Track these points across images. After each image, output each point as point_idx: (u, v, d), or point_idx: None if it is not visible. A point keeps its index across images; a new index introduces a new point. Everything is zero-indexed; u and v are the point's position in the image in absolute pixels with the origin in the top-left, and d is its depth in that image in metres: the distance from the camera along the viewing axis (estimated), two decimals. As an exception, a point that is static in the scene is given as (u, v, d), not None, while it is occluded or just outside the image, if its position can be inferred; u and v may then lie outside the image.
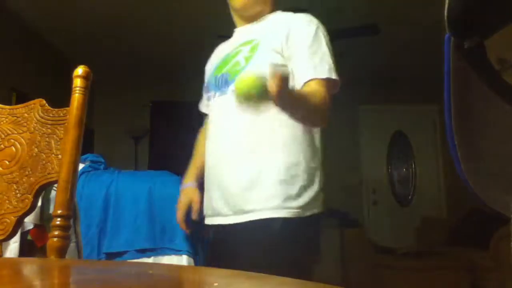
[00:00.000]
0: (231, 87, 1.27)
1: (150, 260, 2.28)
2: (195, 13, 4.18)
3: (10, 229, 0.96)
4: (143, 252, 2.30)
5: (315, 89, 1.25)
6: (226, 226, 1.28)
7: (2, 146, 1.03)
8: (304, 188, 1.26)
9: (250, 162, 1.26)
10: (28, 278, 0.66)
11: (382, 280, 3.71)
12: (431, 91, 4.21)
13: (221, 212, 1.30)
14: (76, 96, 1.01)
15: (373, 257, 4.01)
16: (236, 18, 1.52)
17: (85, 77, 1.02)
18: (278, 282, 0.53)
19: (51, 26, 4.35)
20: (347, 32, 3.89)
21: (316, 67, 1.27)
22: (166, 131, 6.05)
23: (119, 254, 2.29)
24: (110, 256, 2.28)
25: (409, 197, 6.15)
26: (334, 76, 1.28)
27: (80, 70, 1.03)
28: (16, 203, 0.98)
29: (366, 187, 6.07)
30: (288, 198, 1.24)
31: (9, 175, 1.00)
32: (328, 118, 1.29)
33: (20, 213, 0.97)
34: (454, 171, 0.48)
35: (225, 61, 1.40)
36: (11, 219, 0.96)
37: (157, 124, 6.10)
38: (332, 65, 1.29)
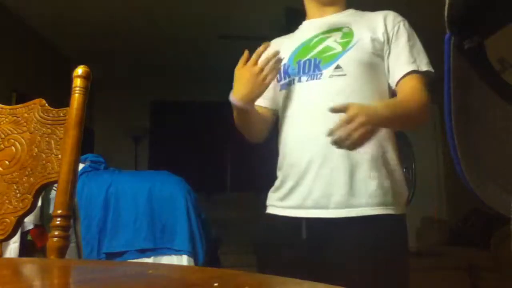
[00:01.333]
0: (327, 71, 1.26)
1: (150, 260, 2.28)
2: (195, 13, 4.18)
3: (10, 229, 0.96)
4: (143, 252, 2.30)
5: (413, 88, 1.27)
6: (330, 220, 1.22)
7: (2, 146, 1.03)
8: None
9: (353, 157, 1.22)
10: (28, 278, 0.66)
11: None
12: (431, 91, 4.21)
13: (325, 204, 1.23)
14: (76, 96, 1.01)
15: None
16: (308, 7, 1.46)
17: (85, 77, 1.02)
18: (278, 282, 0.53)
19: (51, 26, 4.35)
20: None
21: (416, 61, 1.29)
22: (166, 131, 6.06)
23: (119, 254, 2.29)
24: (110, 256, 2.28)
25: (409, 197, 6.15)
26: (431, 69, 1.30)
27: (80, 70, 1.02)
28: (16, 203, 0.98)
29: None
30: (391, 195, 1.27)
31: (9, 175, 1.00)
32: (428, 111, 1.29)
33: (20, 213, 0.97)
34: (454, 171, 0.48)
35: (305, 47, 1.35)
36: (11, 219, 0.96)
37: (157, 124, 6.10)
38: (428, 60, 1.32)
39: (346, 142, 1.05)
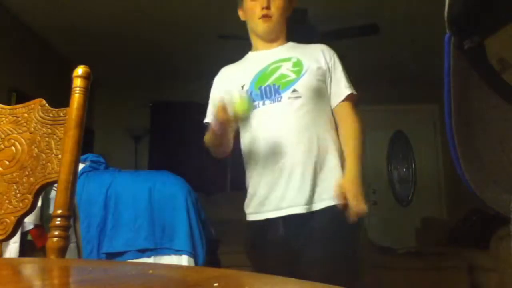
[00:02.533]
0: (285, 94, 1.55)
1: (150, 260, 2.28)
2: (195, 13, 4.18)
3: (10, 229, 0.96)
4: (143, 252, 2.30)
5: (349, 116, 1.61)
6: (299, 216, 1.50)
7: (2, 146, 1.03)
8: None
9: (316, 159, 1.53)
10: (28, 278, 0.66)
11: (382, 280, 3.71)
12: (431, 91, 4.22)
13: (294, 203, 1.51)
14: (76, 96, 1.01)
15: (373, 257, 4.01)
16: (255, 42, 1.75)
17: (85, 77, 1.02)
18: (278, 282, 0.53)
19: (51, 26, 4.35)
20: (347, 32, 3.89)
21: (350, 86, 1.63)
22: (166, 131, 6.05)
23: (119, 254, 2.29)
24: (110, 256, 2.28)
25: (409, 197, 6.15)
26: (355, 92, 1.65)
27: (80, 70, 1.02)
28: (16, 203, 0.98)
29: (366, 187, 6.07)
30: None
31: (9, 175, 1.00)
32: (361, 122, 1.63)
33: (20, 213, 0.97)
34: (454, 171, 0.48)
35: (264, 74, 1.62)
36: (11, 219, 0.96)
37: (157, 124, 6.10)
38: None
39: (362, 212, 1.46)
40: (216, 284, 0.49)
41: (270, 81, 1.59)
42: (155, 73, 5.76)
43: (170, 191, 2.40)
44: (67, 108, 1.01)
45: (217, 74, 1.83)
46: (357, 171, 1.54)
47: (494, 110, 0.47)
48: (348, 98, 1.62)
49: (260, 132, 1.59)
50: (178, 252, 2.30)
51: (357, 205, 1.46)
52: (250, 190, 1.67)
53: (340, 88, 1.63)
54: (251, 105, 1.41)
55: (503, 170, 0.48)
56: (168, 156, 5.85)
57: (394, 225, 5.82)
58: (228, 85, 1.69)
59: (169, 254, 2.30)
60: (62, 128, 1.01)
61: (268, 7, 1.63)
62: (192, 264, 2.27)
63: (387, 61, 5.28)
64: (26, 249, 2.08)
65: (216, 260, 2.73)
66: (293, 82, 1.57)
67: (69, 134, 0.98)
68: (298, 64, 1.61)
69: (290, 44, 1.73)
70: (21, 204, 0.97)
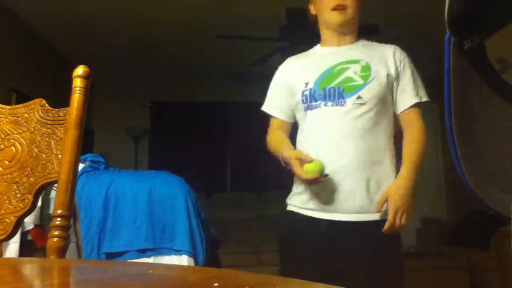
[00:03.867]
0: (350, 99, 1.53)
1: (150, 260, 2.28)
2: (195, 13, 4.18)
3: (10, 229, 0.96)
4: (143, 252, 2.30)
5: (414, 123, 1.65)
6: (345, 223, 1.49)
7: (2, 146, 1.03)
8: None
9: (369, 170, 1.52)
10: (28, 278, 0.66)
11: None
12: (431, 91, 4.21)
13: (341, 209, 1.50)
14: (76, 96, 1.01)
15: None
16: (325, 36, 1.69)
17: (85, 77, 1.02)
18: (278, 281, 0.53)
19: (51, 26, 4.35)
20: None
21: (418, 93, 1.62)
22: (166, 131, 6.06)
23: (119, 254, 2.29)
24: (110, 256, 2.28)
25: (409, 197, 6.14)
26: (428, 98, 1.64)
27: (80, 70, 1.02)
28: (16, 203, 0.98)
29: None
30: None
31: (9, 175, 1.00)
32: (425, 131, 1.67)
33: (20, 213, 0.97)
34: (454, 171, 0.48)
35: (330, 75, 1.58)
36: (11, 219, 0.96)
37: (157, 124, 6.10)
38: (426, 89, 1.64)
39: (398, 227, 1.47)
40: (216, 284, 0.49)
41: (335, 82, 1.55)
42: (155, 73, 5.76)
43: (170, 191, 2.40)
44: (67, 108, 1.01)
45: (283, 63, 1.75)
46: (408, 179, 1.53)
47: (494, 110, 0.47)
48: (415, 105, 1.61)
49: (320, 134, 1.57)
50: (178, 252, 2.30)
51: (395, 219, 1.44)
52: (299, 186, 1.62)
53: (406, 96, 1.60)
54: (322, 172, 1.45)
55: (503, 170, 0.48)
56: (168, 156, 5.85)
57: (394, 225, 5.82)
58: (292, 79, 1.65)
59: (169, 254, 2.30)
60: (62, 128, 1.01)
61: None
62: (192, 264, 2.27)
63: (387, 61, 5.28)
64: (26, 249, 2.08)
65: (216, 260, 2.72)
66: (359, 87, 1.54)
67: (69, 134, 0.98)
68: (366, 69, 1.57)
69: (361, 42, 1.69)
70: (21, 204, 0.97)
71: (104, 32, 4.51)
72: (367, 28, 3.92)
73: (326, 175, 1.46)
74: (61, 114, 1.02)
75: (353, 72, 1.57)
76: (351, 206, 1.48)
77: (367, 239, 1.47)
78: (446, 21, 0.45)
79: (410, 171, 1.57)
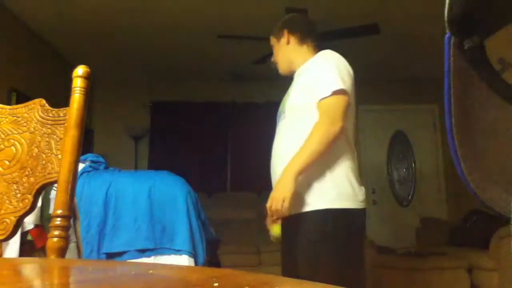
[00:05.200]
0: (282, 117, 1.81)
1: (150, 260, 2.28)
2: (195, 13, 4.18)
3: (10, 229, 0.96)
4: (143, 252, 2.30)
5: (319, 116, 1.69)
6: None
7: (2, 146, 1.03)
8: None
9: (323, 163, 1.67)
10: (28, 278, 0.66)
11: (382, 280, 3.71)
12: (431, 91, 4.21)
13: None
14: (76, 96, 1.01)
15: (373, 257, 4.00)
16: None
17: (85, 77, 1.02)
18: (278, 281, 0.53)
19: (51, 26, 4.35)
20: (347, 31, 3.89)
21: (325, 88, 1.68)
22: (166, 131, 6.05)
23: (119, 254, 2.28)
24: (110, 256, 2.28)
25: (409, 197, 6.15)
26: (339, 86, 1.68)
27: (80, 70, 1.02)
28: (16, 203, 0.98)
29: (366, 187, 6.06)
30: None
31: (9, 175, 1.00)
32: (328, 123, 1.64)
33: (20, 213, 0.97)
34: (454, 171, 0.48)
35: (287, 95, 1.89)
36: (11, 219, 0.96)
37: (157, 124, 6.09)
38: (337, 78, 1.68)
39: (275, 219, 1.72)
40: (216, 284, 0.49)
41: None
42: (155, 73, 5.76)
43: (170, 191, 2.40)
44: (67, 108, 1.01)
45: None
46: (286, 172, 1.62)
47: (494, 110, 0.47)
48: (330, 95, 1.65)
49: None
50: (178, 252, 2.29)
51: (272, 205, 1.60)
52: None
53: (320, 88, 1.67)
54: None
55: (503, 170, 0.48)
56: (168, 156, 5.85)
57: (394, 225, 5.82)
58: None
59: (169, 254, 2.30)
60: (62, 128, 1.01)
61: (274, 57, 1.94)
62: (192, 264, 2.27)
63: (387, 61, 5.29)
64: (26, 249, 2.08)
65: (216, 260, 2.72)
66: (284, 105, 1.81)
67: (69, 134, 0.98)
68: (292, 86, 1.85)
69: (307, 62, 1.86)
70: (21, 204, 0.97)
71: (104, 32, 4.50)
72: (367, 29, 3.93)
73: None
74: (61, 114, 1.02)
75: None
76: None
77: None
78: (446, 21, 0.45)
79: (290, 165, 1.66)
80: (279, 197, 1.57)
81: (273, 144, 1.81)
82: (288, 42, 1.89)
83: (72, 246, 2.17)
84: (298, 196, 1.62)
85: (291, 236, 1.68)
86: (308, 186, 1.64)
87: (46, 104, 1.05)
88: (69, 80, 1.03)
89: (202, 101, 5.98)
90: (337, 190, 1.65)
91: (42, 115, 1.03)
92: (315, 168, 1.64)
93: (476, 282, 3.55)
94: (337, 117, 1.62)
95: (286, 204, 1.56)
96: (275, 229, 1.74)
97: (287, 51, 1.89)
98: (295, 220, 1.64)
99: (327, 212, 1.62)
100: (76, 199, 2.21)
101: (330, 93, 1.63)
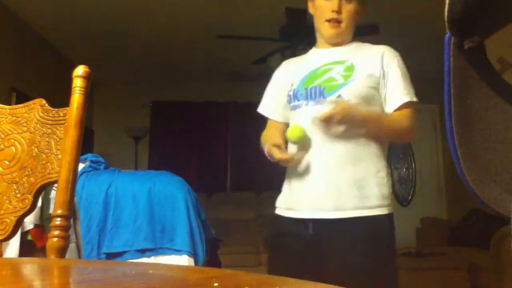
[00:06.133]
0: (330, 98, 1.51)
1: (150, 260, 2.28)
2: (195, 13, 4.18)
3: (10, 229, 0.96)
4: (143, 252, 2.30)
5: (404, 113, 1.56)
6: (329, 220, 1.47)
7: (2, 146, 1.03)
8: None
9: (355, 166, 1.50)
10: (28, 278, 0.66)
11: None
12: (431, 91, 4.21)
13: (323, 207, 1.48)
14: (76, 96, 1.01)
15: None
16: (319, 39, 1.69)
17: (85, 77, 1.02)
18: (278, 281, 0.53)
19: (51, 26, 4.35)
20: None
21: (409, 93, 1.57)
22: (166, 131, 6.06)
23: (119, 254, 2.29)
24: (110, 256, 2.28)
25: (409, 197, 6.15)
26: (416, 99, 1.60)
27: (80, 70, 1.02)
28: (16, 203, 0.98)
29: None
30: (383, 198, 1.54)
31: (9, 175, 1.00)
32: (416, 132, 1.63)
33: (20, 213, 0.97)
34: (454, 171, 0.48)
35: (314, 75, 1.58)
36: (11, 219, 0.97)
37: (157, 124, 6.10)
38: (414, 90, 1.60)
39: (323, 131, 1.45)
40: (216, 284, 0.49)
41: (317, 82, 1.55)
42: (155, 73, 5.76)
43: (170, 191, 2.40)
44: (67, 108, 1.01)
45: (279, 66, 1.77)
46: (368, 116, 1.51)
47: (494, 110, 0.47)
48: (405, 106, 1.55)
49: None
50: (178, 252, 2.30)
51: (332, 112, 1.40)
52: (283, 186, 1.63)
53: (396, 95, 1.55)
54: (303, 132, 1.46)
55: (503, 170, 0.48)
56: (168, 156, 5.85)
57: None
58: (283, 81, 1.67)
59: (169, 254, 2.30)
60: (62, 128, 1.01)
61: (339, 11, 1.56)
62: (192, 264, 2.27)
63: (387, 61, 5.28)
64: (26, 249, 2.08)
65: (216, 260, 2.72)
66: (340, 86, 1.52)
67: (69, 134, 0.98)
68: (350, 69, 1.55)
69: (354, 45, 1.67)
70: (21, 204, 0.97)
71: (104, 32, 4.50)
72: (367, 29, 3.93)
73: (308, 139, 1.49)
74: (61, 114, 1.02)
75: (336, 72, 1.56)
76: (335, 204, 1.47)
77: (354, 237, 1.47)
78: (446, 21, 0.45)
79: (374, 118, 1.54)
80: (350, 113, 1.42)
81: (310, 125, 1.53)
82: (358, 13, 1.64)
83: (72, 246, 2.17)
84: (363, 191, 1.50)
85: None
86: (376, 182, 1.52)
87: (46, 104, 1.05)
88: (69, 80, 1.03)
89: (202, 101, 5.98)
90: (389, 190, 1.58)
91: (42, 115, 1.03)
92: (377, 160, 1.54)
93: (476, 282, 3.55)
94: (416, 130, 1.60)
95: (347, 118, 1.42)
96: (297, 131, 1.48)
97: (354, 20, 1.64)
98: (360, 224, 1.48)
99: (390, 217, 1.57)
100: (76, 199, 2.21)
101: (413, 101, 1.57)
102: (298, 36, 3.70)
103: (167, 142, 5.98)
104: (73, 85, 1.02)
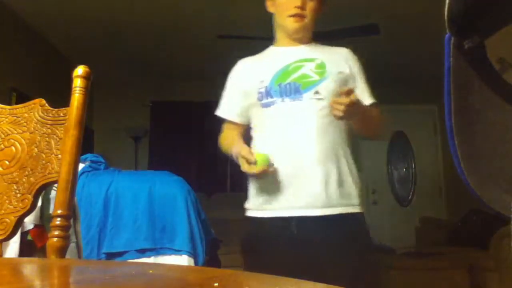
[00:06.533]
0: (307, 94, 1.53)
1: (150, 260, 2.28)
2: (195, 13, 4.18)
3: (10, 229, 0.96)
4: (143, 252, 2.30)
5: (376, 110, 1.64)
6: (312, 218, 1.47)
7: (2, 146, 1.03)
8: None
9: (334, 163, 1.52)
10: (28, 278, 0.66)
11: (382, 280, 3.71)
12: (431, 91, 4.21)
13: (313, 204, 1.48)
14: (76, 96, 1.01)
15: (373, 257, 4.00)
16: (280, 37, 1.71)
17: (85, 77, 1.02)
18: (278, 281, 0.53)
19: (51, 26, 4.35)
20: (348, 31, 3.89)
21: (372, 95, 1.66)
22: (166, 131, 6.06)
23: (119, 254, 2.29)
24: (110, 256, 2.28)
25: (409, 197, 6.15)
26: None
27: (80, 70, 1.02)
28: (16, 203, 0.98)
29: (366, 187, 6.07)
30: (360, 196, 1.57)
31: (9, 175, 1.00)
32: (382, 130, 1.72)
33: (20, 213, 0.97)
34: (454, 171, 0.48)
35: (286, 72, 1.59)
36: (11, 219, 0.96)
37: (157, 124, 6.09)
38: None
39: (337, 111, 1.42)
40: (216, 284, 0.49)
41: (290, 79, 1.56)
42: (155, 73, 5.76)
43: (170, 191, 2.40)
44: (67, 108, 1.01)
45: (236, 65, 1.77)
46: (369, 111, 1.57)
47: (494, 110, 0.47)
48: (374, 106, 1.63)
49: (278, 129, 1.55)
50: (178, 252, 2.30)
51: (342, 101, 1.41)
52: (255, 186, 1.60)
53: (365, 94, 1.62)
54: (269, 162, 1.45)
55: (503, 171, 0.48)
56: (168, 156, 5.85)
57: (394, 225, 5.83)
58: (246, 80, 1.65)
59: (169, 254, 2.30)
60: (62, 128, 1.01)
61: (302, 7, 1.58)
62: (192, 264, 2.27)
63: (387, 61, 5.28)
64: (26, 249, 2.08)
65: (216, 260, 2.73)
66: (315, 83, 1.55)
67: (69, 134, 0.98)
68: (321, 67, 1.58)
69: (314, 44, 1.70)
70: (21, 204, 0.97)
71: (104, 32, 4.51)
72: (367, 29, 3.93)
73: (272, 165, 1.47)
74: (61, 114, 1.02)
75: (308, 69, 1.57)
76: (324, 202, 1.47)
77: (334, 234, 1.48)
78: (446, 21, 0.45)
79: (365, 109, 1.56)
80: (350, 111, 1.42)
81: (293, 122, 1.54)
82: (319, 10, 1.64)
83: (72, 246, 2.17)
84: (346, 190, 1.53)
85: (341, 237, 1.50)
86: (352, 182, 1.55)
87: (46, 104, 1.05)
88: (69, 80, 1.03)
89: (202, 101, 5.97)
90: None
91: (42, 115, 1.03)
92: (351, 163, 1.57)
93: (476, 282, 3.55)
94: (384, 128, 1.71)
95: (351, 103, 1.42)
96: (261, 157, 1.45)
97: (316, 17, 1.64)
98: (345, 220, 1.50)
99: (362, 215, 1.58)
100: (76, 199, 2.21)
101: (377, 103, 1.65)
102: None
103: (167, 142, 5.98)
104: (73, 85, 1.02)
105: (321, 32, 3.95)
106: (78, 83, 1.02)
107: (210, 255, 2.45)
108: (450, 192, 5.88)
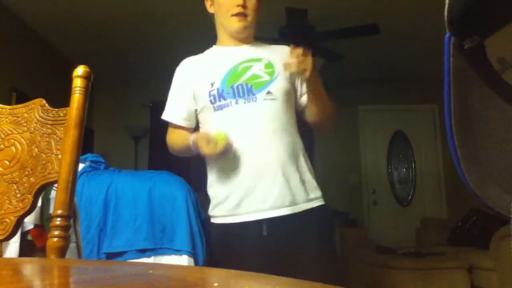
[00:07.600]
0: (260, 95, 1.53)
1: (150, 260, 2.28)
2: (194, 14, 4.18)
3: (10, 229, 0.96)
4: (143, 252, 2.30)
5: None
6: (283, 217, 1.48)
7: (2, 146, 1.03)
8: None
9: (294, 161, 1.53)
10: (28, 278, 0.66)
11: (382, 280, 3.71)
12: (431, 91, 4.22)
13: (280, 204, 1.48)
14: (76, 96, 1.01)
15: (373, 257, 4.01)
16: (222, 37, 1.71)
17: (85, 77, 1.02)
18: (278, 282, 0.53)
19: (51, 26, 4.35)
20: (347, 31, 3.89)
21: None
22: (166, 131, 6.05)
23: (119, 254, 2.29)
24: (110, 256, 2.28)
25: (409, 197, 6.15)
26: None
27: (80, 70, 1.02)
28: (16, 203, 0.98)
29: (366, 187, 6.07)
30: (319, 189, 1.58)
31: (9, 175, 1.00)
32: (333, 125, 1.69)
33: (20, 213, 0.97)
34: (454, 171, 0.48)
35: (235, 73, 1.57)
36: (11, 219, 0.97)
37: (157, 124, 6.08)
38: None
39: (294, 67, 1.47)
40: (216, 284, 0.49)
41: (242, 80, 1.55)
42: (155, 73, 5.76)
43: (170, 191, 2.40)
44: (67, 108, 1.01)
45: (180, 65, 1.77)
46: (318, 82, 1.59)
47: (494, 110, 0.47)
48: None
49: (234, 132, 1.51)
50: (178, 252, 2.30)
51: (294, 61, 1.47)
52: (219, 193, 1.61)
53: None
54: (228, 138, 1.45)
55: (503, 170, 0.48)
56: (168, 156, 5.84)
57: (394, 225, 5.83)
58: (194, 82, 1.64)
59: (169, 254, 2.30)
60: (62, 128, 1.01)
61: (244, 6, 1.58)
62: (192, 264, 2.27)
63: (388, 61, 5.28)
64: (26, 249, 2.08)
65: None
66: (267, 83, 1.55)
67: (69, 134, 0.98)
68: (270, 66, 1.59)
69: (259, 43, 1.71)
70: (21, 204, 0.97)
71: (104, 32, 4.50)
72: (367, 28, 3.94)
73: (231, 144, 1.48)
74: (61, 114, 1.02)
75: (258, 69, 1.57)
76: (290, 200, 1.48)
77: (303, 229, 1.50)
78: (446, 21, 0.45)
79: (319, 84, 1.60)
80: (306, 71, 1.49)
81: (248, 124, 1.54)
82: (259, 8, 1.65)
83: (72, 246, 2.17)
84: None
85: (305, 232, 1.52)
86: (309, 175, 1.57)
87: (46, 104, 1.05)
88: (69, 80, 1.03)
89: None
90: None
91: (42, 115, 1.03)
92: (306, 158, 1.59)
93: (476, 282, 3.55)
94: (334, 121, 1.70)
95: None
96: (221, 134, 1.45)
97: (257, 14, 1.65)
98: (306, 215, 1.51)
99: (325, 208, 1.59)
100: (76, 199, 2.21)
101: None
102: (298, 36, 3.70)
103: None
104: (73, 85, 1.02)
105: (322, 33, 3.96)
106: (78, 83, 1.02)
107: (210, 255, 2.45)
108: (450, 192, 5.88)
